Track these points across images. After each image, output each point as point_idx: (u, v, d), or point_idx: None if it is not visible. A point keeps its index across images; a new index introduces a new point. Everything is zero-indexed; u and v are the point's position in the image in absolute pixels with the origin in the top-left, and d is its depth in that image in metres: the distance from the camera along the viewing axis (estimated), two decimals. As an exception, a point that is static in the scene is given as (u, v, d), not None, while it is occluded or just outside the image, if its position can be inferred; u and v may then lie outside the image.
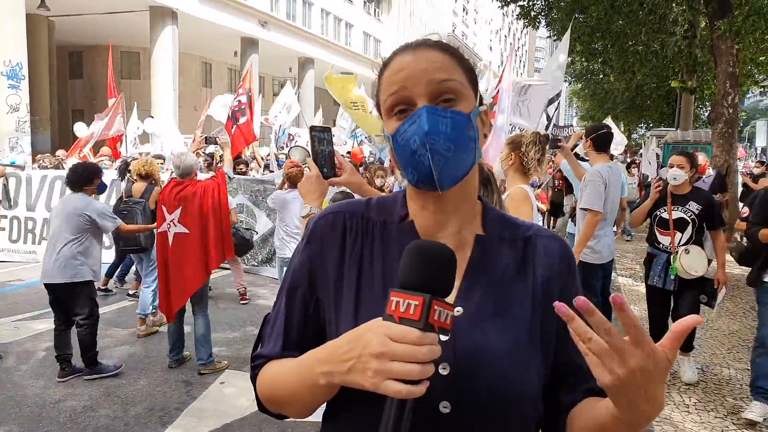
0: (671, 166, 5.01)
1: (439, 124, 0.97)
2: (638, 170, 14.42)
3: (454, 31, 69.16)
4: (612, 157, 5.57)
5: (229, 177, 5.50)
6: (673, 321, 3.39)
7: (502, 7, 16.78)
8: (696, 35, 15.12)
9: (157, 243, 5.36)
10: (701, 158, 9.31)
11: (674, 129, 17.74)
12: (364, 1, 45.49)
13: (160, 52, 24.78)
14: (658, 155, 15.43)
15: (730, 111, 11.62)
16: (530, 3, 16.20)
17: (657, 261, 5.07)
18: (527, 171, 3.78)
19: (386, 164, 12.80)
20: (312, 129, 1.89)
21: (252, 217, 9.56)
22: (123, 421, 4.36)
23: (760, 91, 19.31)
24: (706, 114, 22.13)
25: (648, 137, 20.75)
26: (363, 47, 44.75)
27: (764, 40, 11.06)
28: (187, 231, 5.17)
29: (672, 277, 4.93)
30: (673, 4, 13.82)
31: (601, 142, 5.19)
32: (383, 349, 0.82)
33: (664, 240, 5.04)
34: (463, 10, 78.60)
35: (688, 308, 4.90)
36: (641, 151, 19.53)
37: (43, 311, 7.12)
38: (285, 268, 6.15)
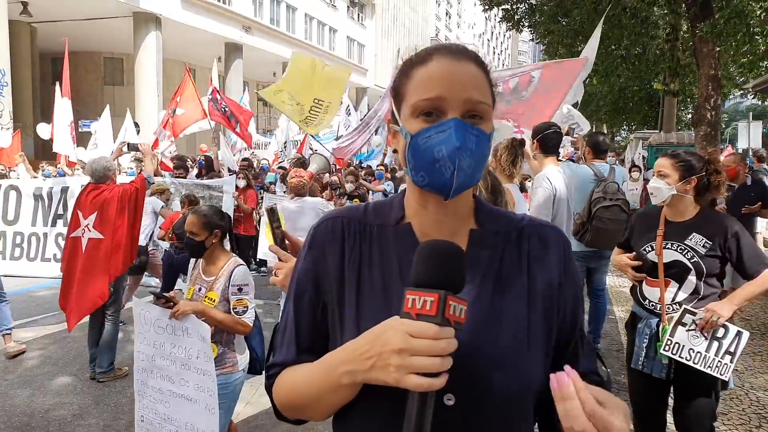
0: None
1: (467, 140, 0.99)
2: (641, 174, 13.88)
3: (437, 35, 69.44)
4: (606, 159, 5.51)
5: (148, 182, 5.37)
6: (676, 423, 3.05)
7: (485, 11, 16.85)
8: (678, 38, 15.30)
9: (66, 247, 5.24)
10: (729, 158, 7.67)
11: (657, 131, 17.93)
12: (348, 6, 45.55)
13: (144, 58, 24.62)
14: (644, 157, 15.56)
15: (713, 113, 11.76)
16: (513, 7, 16.29)
17: (641, 329, 3.18)
18: (508, 173, 4.10)
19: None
20: (271, 210, 1.88)
21: None
22: (114, 430, 4.32)
23: (741, 93, 19.55)
24: (689, 116, 22.40)
25: (632, 139, 20.89)
26: (347, 52, 44.78)
27: (745, 42, 11.20)
28: (102, 237, 5.05)
29: (664, 361, 3.05)
30: (655, 8, 13.98)
31: (548, 143, 4.63)
32: (404, 345, 0.85)
33: (652, 294, 3.17)
34: (446, 14, 78.96)
35: (700, 405, 3.06)
36: (625, 153, 19.70)
37: (31, 319, 7.06)
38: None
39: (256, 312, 3.36)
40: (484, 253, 1.10)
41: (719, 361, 2.93)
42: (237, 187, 8.72)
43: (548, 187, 4.38)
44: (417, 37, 60.68)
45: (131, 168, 11.91)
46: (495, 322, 1.03)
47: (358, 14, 48.00)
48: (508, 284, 1.07)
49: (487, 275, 1.07)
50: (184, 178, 9.59)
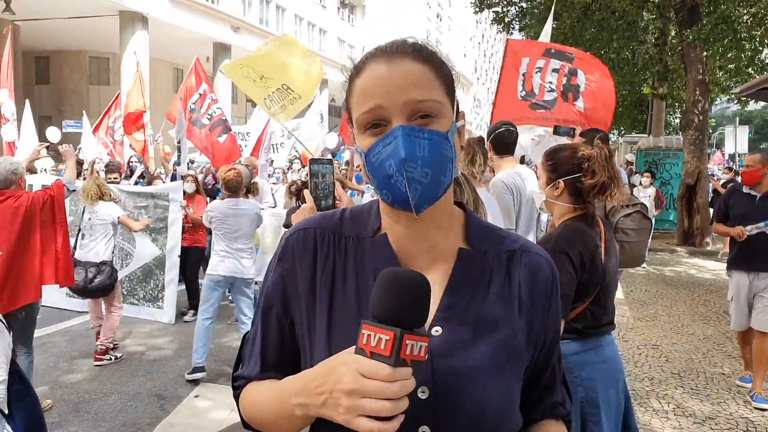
0: None
1: (416, 147, 0.92)
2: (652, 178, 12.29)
3: (428, 37, 69.52)
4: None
5: (68, 189, 4.75)
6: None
7: (476, 13, 16.91)
8: (666, 43, 15.39)
9: None
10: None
11: (646, 135, 18.01)
12: (338, 7, 45.50)
13: (130, 58, 24.42)
14: (630, 162, 15.59)
15: (700, 118, 11.84)
16: (504, 9, 16.37)
17: None
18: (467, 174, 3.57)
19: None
20: (312, 161, 1.89)
21: (129, 242, 7.44)
22: (93, 439, 4.22)
23: (728, 99, 19.72)
24: (677, 121, 22.54)
25: (621, 143, 20.95)
26: (337, 53, 44.70)
27: (731, 47, 11.27)
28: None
29: None
30: (644, 12, 14.05)
31: (501, 143, 4.14)
32: (354, 386, 0.80)
33: None
34: (437, 16, 79.12)
35: None
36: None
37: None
38: (212, 287, 5.53)
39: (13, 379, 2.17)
40: (472, 274, 1.04)
41: None
42: (184, 192, 7.46)
43: (506, 192, 4.01)
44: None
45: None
46: (476, 350, 0.97)
47: (349, 15, 47.96)
48: (493, 309, 1.02)
49: (472, 298, 1.01)
50: (118, 182, 8.19)
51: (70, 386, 5.15)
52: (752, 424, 4.45)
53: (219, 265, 5.57)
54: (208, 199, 8.31)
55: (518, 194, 4.00)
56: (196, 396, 4.97)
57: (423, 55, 0.98)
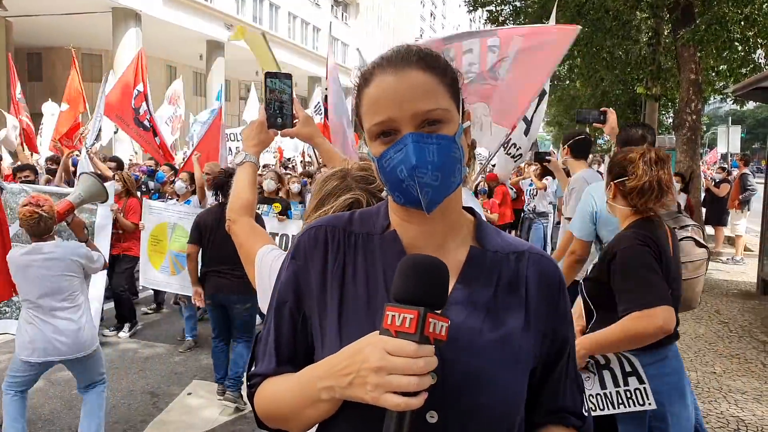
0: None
1: (426, 153, 0.97)
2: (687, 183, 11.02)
3: (421, 35, 69.60)
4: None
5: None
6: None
7: (470, 12, 16.94)
8: (660, 42, 15.44)
9: None
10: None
11: (639, 135, 18.08)
12: (332, 5, 45.46)
13: (123, 55, 24.26)
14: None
15: (693, 117, 11.87)
16: (498, 8, 16.39)
17: None
18: None
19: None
20: (267, 75, 1.76)
21: None
22: (85, 436, 4.20)
23: (721, 98, 19.83)
24: (670, 120, 22.62)
25: (612, 143, 20.96)
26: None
27: (725, 48, 11.30)
28: None
29: None
30: (637, 12, 14.09)
31: (578, 148, 4.70)
32: (381, 363, 0.84)
33: None
34: (431, 15, 79.20)
35: None
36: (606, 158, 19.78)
37: (1, 321, 6.86)
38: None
39: None
40: (482, 271, 1.08)
41: (627, 390, 2.40)
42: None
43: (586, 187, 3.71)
44: (401, 37, 60.81)
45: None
46: (485, 340, 1.01)
47: (342, 13, 47.93)
48: (502, 304, 1.06)
49: (481, 293, 1.05)
50: (32, 182, 6.71)
51: (63, 383, 5.14)
52: (743, 423, 4.49)
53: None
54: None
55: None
56: (189, 394, 4.97)
57: (427, 63, 1.02)
